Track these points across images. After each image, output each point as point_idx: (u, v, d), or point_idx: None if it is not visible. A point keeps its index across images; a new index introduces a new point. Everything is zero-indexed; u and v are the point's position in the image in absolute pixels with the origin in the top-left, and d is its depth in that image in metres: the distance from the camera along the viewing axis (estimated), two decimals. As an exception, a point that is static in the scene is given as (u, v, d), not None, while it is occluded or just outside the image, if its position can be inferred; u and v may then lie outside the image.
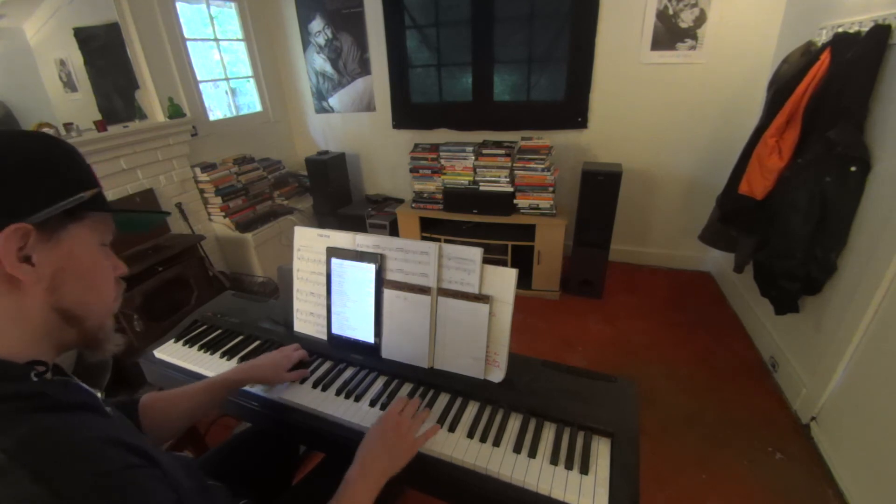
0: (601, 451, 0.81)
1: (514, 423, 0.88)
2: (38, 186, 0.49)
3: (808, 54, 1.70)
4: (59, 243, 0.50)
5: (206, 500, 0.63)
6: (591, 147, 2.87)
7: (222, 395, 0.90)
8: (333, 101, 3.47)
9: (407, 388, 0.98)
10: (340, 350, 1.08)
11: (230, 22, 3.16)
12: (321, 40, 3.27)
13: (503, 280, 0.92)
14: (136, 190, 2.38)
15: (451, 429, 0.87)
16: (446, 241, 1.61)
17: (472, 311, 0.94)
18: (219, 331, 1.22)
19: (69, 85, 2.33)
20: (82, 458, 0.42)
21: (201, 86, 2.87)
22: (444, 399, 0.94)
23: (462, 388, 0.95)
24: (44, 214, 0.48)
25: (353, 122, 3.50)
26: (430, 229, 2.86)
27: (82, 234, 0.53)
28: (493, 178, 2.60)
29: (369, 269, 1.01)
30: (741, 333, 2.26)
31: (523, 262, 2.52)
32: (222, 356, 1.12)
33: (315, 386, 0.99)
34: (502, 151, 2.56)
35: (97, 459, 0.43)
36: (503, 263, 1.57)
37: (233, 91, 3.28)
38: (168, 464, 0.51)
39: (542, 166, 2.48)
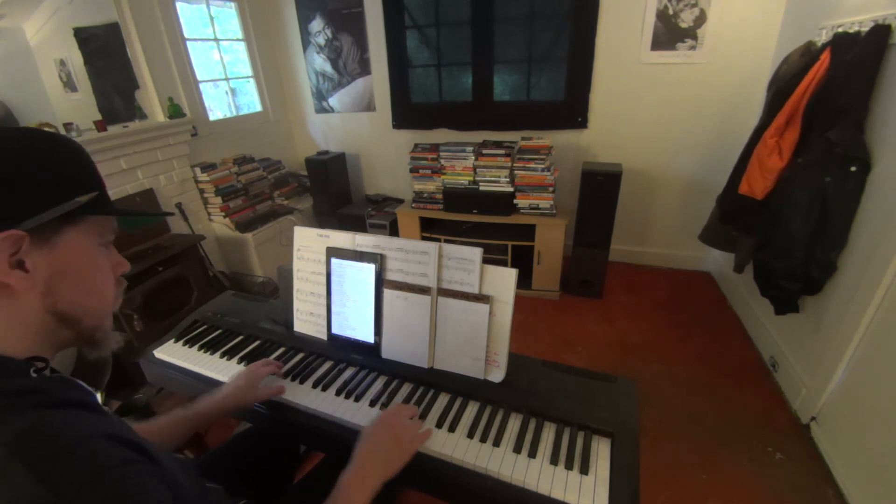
0: (601, 451, 0.81)
1: (514, 423, 0.88)
2: (33, 190, 0.47)
3: (808, 54, 1.70)
4: (55, 247, 0.48)
5: (205, 501, 0.63)
6: (591, 147, 2.87)
7: (193, 428, 0.88)
8: (333, 101, 3.47)
9: (407, 388, 0.98)
10: (340, 350, 1.08)
11: (230, 22, 3.16)
12: (321, 40, 3.27)
13: (503, 280, 0.92)
14: (136, 190, 2.39)
15: (452, 429, 0.87)
16: (446, 241, 1.61)
17: (472, 311, 0.94)
18: (219, 331, 1.22)
19: (69, 85, 2.33)
20: (80, 454, 0.41)
21: (201, 86, 2.87)
22: (444, 399, 0.94)
23: (462, 388, 0.95)
24: (36, 221, 0.46)
25: (352, 122, 3.50)
26: (430, 229, 2.86)
27: (80, 237, 0.51)
28: (493, 178, 2.60)
29: (369, 269, 1.01)
30: (741, 333, 2.26)
31: (523, 262, 2.52)
32: (222, 356, 1.12)
33: (315, 386, 0.99)
34: (502, 151, 2.56)
35: (95, 455, 0.42)
36: (503, 263, 1.57)
37: (233, 91, 3.28)
38: (167, 463, 0.51)
39: (542, 166, 2.48)
